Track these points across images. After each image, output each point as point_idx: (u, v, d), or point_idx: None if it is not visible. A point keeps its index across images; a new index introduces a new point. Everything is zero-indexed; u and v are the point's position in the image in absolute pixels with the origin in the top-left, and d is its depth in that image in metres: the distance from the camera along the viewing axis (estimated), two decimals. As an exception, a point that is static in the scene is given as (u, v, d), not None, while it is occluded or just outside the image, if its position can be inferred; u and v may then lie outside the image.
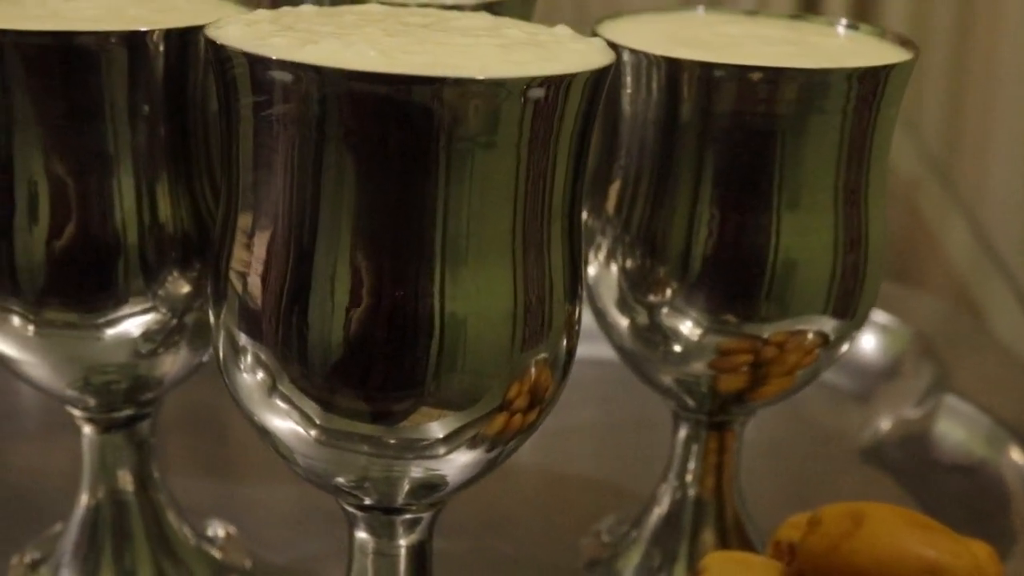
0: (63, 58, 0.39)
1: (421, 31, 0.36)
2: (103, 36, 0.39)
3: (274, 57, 0.32)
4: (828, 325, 0.46)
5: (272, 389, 0.36)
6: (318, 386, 0.35)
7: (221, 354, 0.37)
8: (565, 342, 0.37)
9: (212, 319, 0.38)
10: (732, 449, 0.51)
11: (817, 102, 0.42)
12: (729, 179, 0.44)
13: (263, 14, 0.38)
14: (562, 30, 0.39)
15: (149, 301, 0.43)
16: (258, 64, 0.33)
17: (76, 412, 0.47)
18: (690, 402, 0.49)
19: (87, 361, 0.44)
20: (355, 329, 0.34)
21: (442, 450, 0.36)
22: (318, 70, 0.32)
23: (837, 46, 0.47)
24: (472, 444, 0.36)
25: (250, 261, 0.35)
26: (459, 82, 0.31)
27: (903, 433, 0.66)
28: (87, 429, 0.48)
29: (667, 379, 0.48)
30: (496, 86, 0.32)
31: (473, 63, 0.33)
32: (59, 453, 0.59)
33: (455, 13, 0.40)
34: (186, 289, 0.43)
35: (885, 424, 0.67)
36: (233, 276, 0.36)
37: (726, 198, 0.44)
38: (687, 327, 0.46)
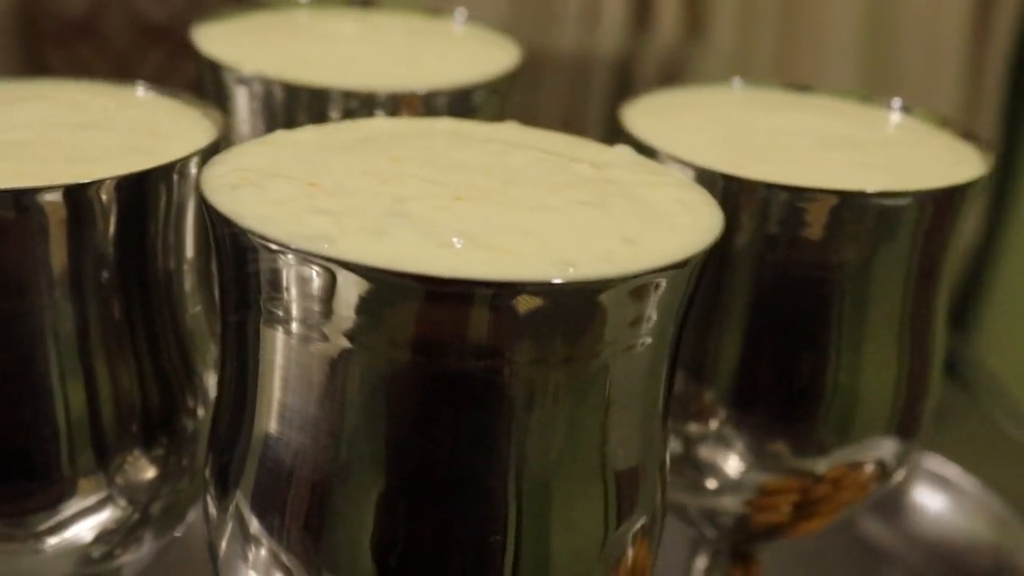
0: None
1: (488, 181, 0.29)
2: (29, 194, 0.30)
3: (343, 259, 0.25)
4: (889, 452, 0.41)
5: None
6: None
7: (223, 549, 0.30)
8: None
9: (215, 510, 0.31)
10: (756, 576, 0.46)
11: (886, 228, 0.37)
12: (786, 303, 0.38)
13: (257, 152, 0.30)
14: (624, 153, 0.33)
15: (104, 490, 0.33)
16: (313, 265, 0.25)
17: None
18: (710, 533, 0.44)
19: None
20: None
21: None
22: (424, 280, 0.25)
23: (896, 144, 0.41)
24: None
25: (280, 474, 0.28)
26: (602, 283, 0.25)
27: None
28: None
29: (689, 506, 0.43)
30: (624, 282, 0.26)
31: (592, 251, 0.26)
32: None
33: (487, 129, 0.33)
34: (151, 473, 0.34)
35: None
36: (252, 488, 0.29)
37: (782, 324, 0.38)
38: (730, 463, 0.40)
